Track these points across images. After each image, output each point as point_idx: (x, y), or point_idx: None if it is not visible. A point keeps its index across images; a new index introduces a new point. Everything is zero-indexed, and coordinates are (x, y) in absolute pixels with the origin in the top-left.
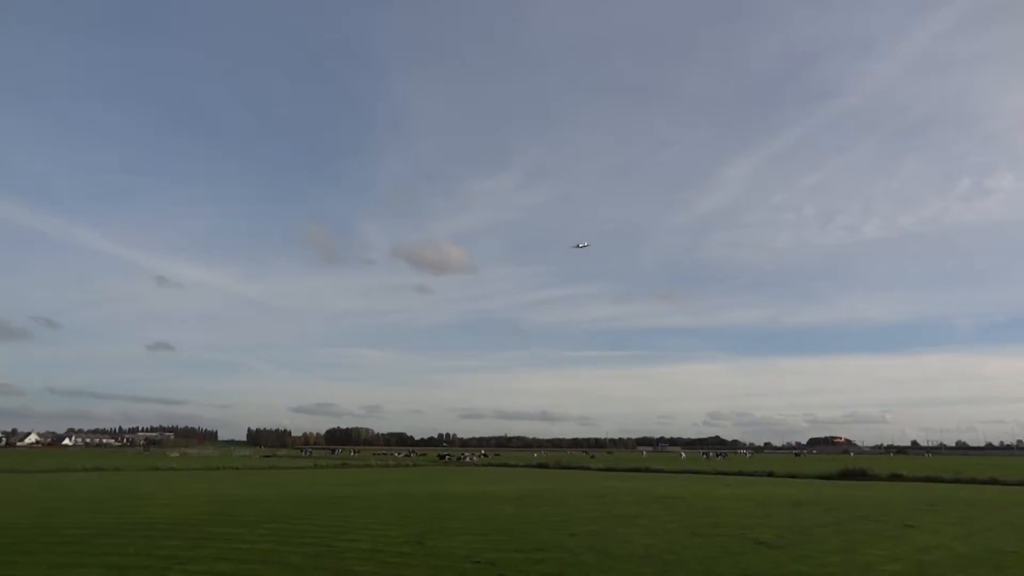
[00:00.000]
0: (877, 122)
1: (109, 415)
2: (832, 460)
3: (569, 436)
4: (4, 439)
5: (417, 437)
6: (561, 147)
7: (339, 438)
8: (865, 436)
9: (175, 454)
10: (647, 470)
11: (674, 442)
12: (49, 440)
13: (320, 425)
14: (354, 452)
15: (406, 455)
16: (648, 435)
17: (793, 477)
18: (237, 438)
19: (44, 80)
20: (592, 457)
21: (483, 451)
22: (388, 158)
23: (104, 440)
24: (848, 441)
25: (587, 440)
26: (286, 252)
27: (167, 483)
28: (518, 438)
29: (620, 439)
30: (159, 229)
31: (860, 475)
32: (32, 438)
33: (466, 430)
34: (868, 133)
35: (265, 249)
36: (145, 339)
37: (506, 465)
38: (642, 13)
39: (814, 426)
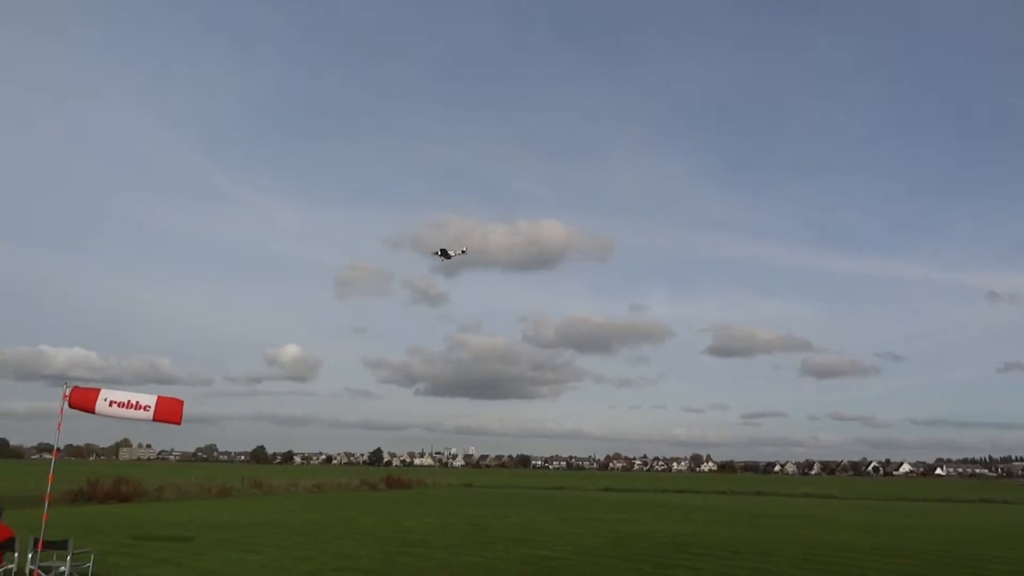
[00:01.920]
0: None
1: (974, 443)
2: None
3: None
4: (880, 468)
5: None
6: None
7: None
8: None
9: None
10: None
11: None
12: (921, 470)
13: None
14: None
15: None
16: None
17: None
18: None
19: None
20: None
21: None
22: None
23: (976, 470)
24: None
25: None
26: None
27: None
28: None
29: None
30: (980, 245)
31: None
32: (905, 468)
33: None
34: None
35: None
36: (993, 361)
37: None
38: None
39: None
